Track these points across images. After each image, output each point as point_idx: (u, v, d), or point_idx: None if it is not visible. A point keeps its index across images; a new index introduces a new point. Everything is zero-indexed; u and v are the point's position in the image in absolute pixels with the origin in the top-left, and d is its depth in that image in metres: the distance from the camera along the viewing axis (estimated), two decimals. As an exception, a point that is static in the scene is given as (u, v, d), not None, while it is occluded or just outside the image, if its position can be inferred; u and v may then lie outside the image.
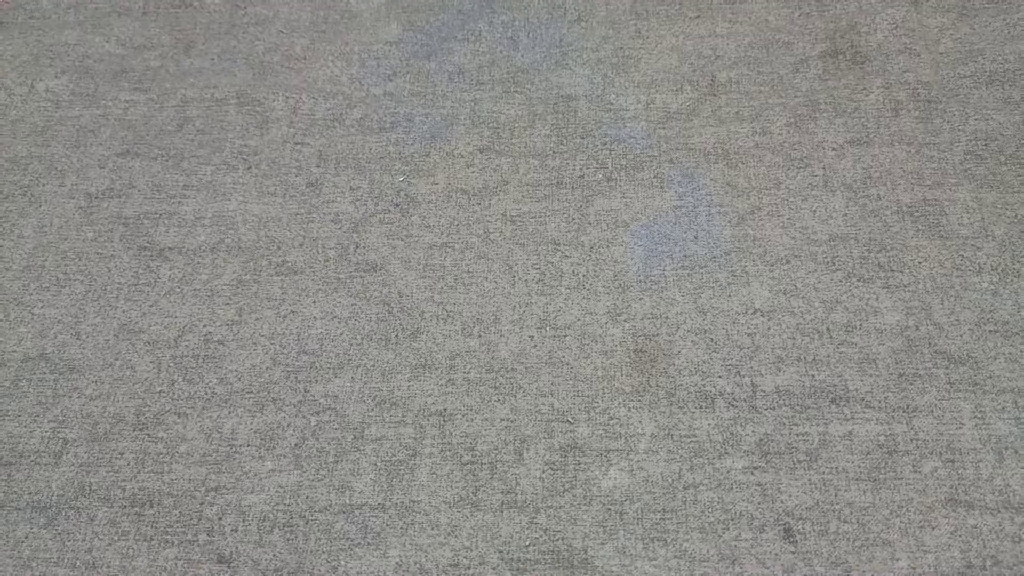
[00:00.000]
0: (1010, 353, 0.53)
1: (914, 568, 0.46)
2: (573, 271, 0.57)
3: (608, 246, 0.58)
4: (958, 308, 0.54)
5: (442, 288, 0.56)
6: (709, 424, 0.51)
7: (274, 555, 0.47)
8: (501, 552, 0.47)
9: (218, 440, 0.51)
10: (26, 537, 0.48)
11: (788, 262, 0.56)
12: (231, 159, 0.62)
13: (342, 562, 0.47)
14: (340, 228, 0.59)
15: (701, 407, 0.51)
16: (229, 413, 0.52)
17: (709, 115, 0.63)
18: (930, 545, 0.47)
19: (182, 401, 0.52)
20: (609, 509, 0.48)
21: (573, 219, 0.59)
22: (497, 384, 0.52)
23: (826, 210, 0.58)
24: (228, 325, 0.55)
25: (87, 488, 0.49)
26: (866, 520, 0.47)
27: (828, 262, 0.56)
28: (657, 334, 0.54)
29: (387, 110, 0.65)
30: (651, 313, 0.55)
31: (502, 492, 0.49)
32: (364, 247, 0.58)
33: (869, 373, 0.52)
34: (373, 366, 0.53)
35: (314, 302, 0.56)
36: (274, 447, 0.51)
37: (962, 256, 0.56)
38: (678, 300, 0.55)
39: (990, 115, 0.62)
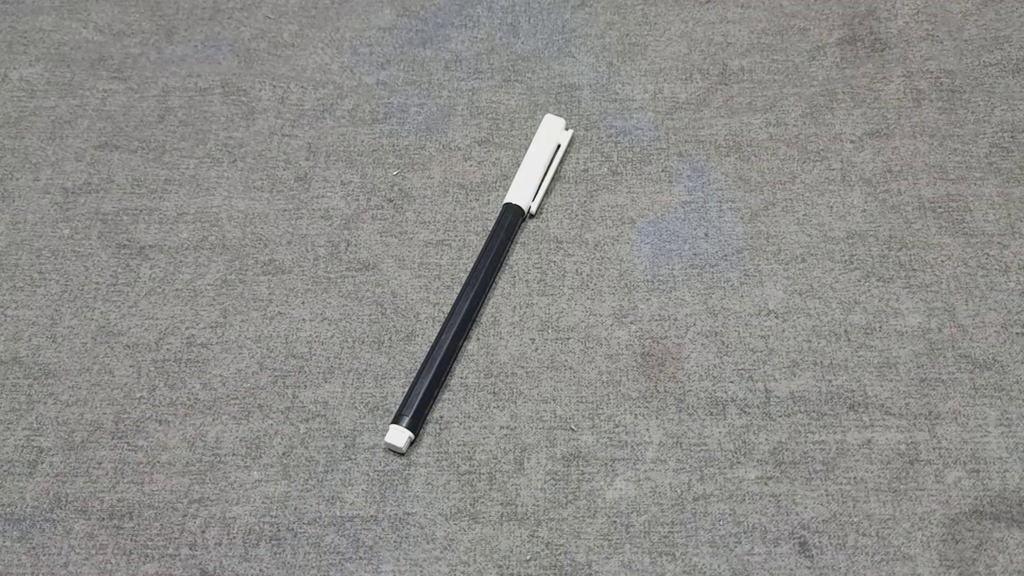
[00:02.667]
0: (1038, 357, 0.53)
1: (937, 584, 0.46)
2: (576, 270, 0.57)
3: (613, 244, 0.58)
4: (983, 309, 0.54)
5: (438, 288, 0.56)
6: (720, 432, 0.51)
7: (260, 570, 0.47)
8: (500, 567, 0.47)
9: (201, 449, 0.51)
10: (-1, 551, 0.48)
11: (804, 261, 0.56)
12: (215, 152, 0.62)
13: (332, 577, 0.47)
14: (330, 225, 0.59)
15: (712, 414, 0.51)
16: (213, 420, 0.52)
17: (720, 105, 0.63)
18: (954, 559, 0.47)
19: (163, 407, 0.52)
20: (614, 521, 0.48)
21: (576, 215, 0.59)
22: (496, 389, 0.53)
23: (844, 206, 0.58)
24: (212, 327, 0.55)
25: (63, 499, 0.49)
26: (886, 533, 0.47)
27: (846, 261, 0.56)
28: (665, 337, 0.54)
29: (380, 100, 0.65)
30: (659, 315, 0.55)
31: (501, 503, 0.49)
32: (356, 245, 0.58)
33: (889, 378, 0.52)
34: (365, 370, 0.53)
35: (303, 303, 0.56)
36: (260, 456, 0.51)
37: (987, 254, 0.56)
38: (687, 301, 0.55)
39: (1017, 105, 0.62)
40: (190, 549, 0.48)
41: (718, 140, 0.61)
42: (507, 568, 0.47)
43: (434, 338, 0.53)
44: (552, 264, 0.57)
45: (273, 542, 0.48)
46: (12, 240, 0.59)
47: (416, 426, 0.50)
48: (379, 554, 0.47)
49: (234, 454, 0.51)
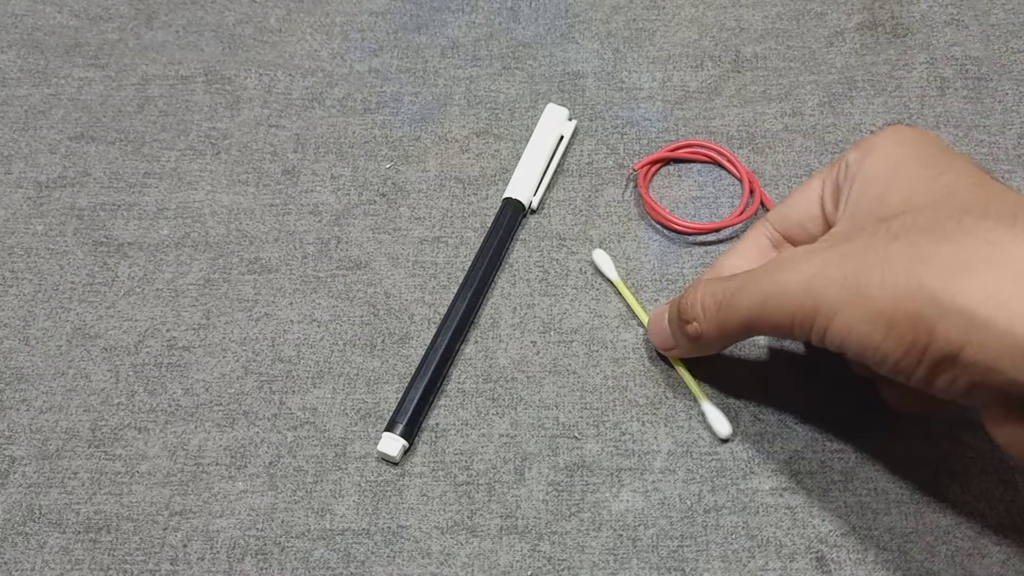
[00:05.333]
0: (1069, 360, 0.53)
1: (962, 601, 0.46)
2: (580, 269, 0.57)
3: (619, 241, 0.58)
4: (1011, 310, 0.54)
5: (434, 288, 0.56)
6: (733, 440, 0.51)
7: (246, 586, 0.47)
8: (500, 583, 0.47)
9: (183, 458, 0.51)
10: (-32, 566, 0.48)
11: (821, 259, 0.56)
12: (198, 144, 0.62)
13: (322, 594, 0.47)
14: (320, 221, 0.59)
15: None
16: (196, 428, 0.52)
17: (733, 94, 0.63)
18: (980, 575, 0.47)
19: (143, 414, 0.52)
20: (621, 535, 0.48)
21: (580, 211, 0.59)
22: (495, 395, 0.53)
23: (863, 200, 0.58)
24: (194, 329, 0.55)
25: (37, 511, 0.49)
26: (908, 547, 0.47)
27: (866, 259, 0.56)
28: (674, 339, 0.54)
29: (372, 89, 0.65)
30: (668, 316, 0.55)
31: (501, 516, 0.49)
32: (347, 242, 0.58)
33: (912, 383, 0.52)
34: (357, 375, 0.53)
35: (291, 303, 0.56)
36: (246, 466, 0.51)
37: (1016, 252, 0.56)
38: (698, 301, 0.55)
39: (1047, 94, 0.62)
40: (171, 564, 0.48)
41: (731, 131, 0.62)
42: (507, 584, 0.47)
43: (430, 341, 0.53)
44: (554, 262, 0.57)
45: (259, 557, 0.48)
46: (-18, 237, 0.59)
47: (410, 434, 0.50)
48: (371, 569, 0.48)
49: (218, 464, 0.51)
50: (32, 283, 0.57)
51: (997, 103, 0.62)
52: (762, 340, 0.53)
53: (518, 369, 0.53)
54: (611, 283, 0.56)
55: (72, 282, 0.57)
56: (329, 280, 0.57)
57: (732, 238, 0.57)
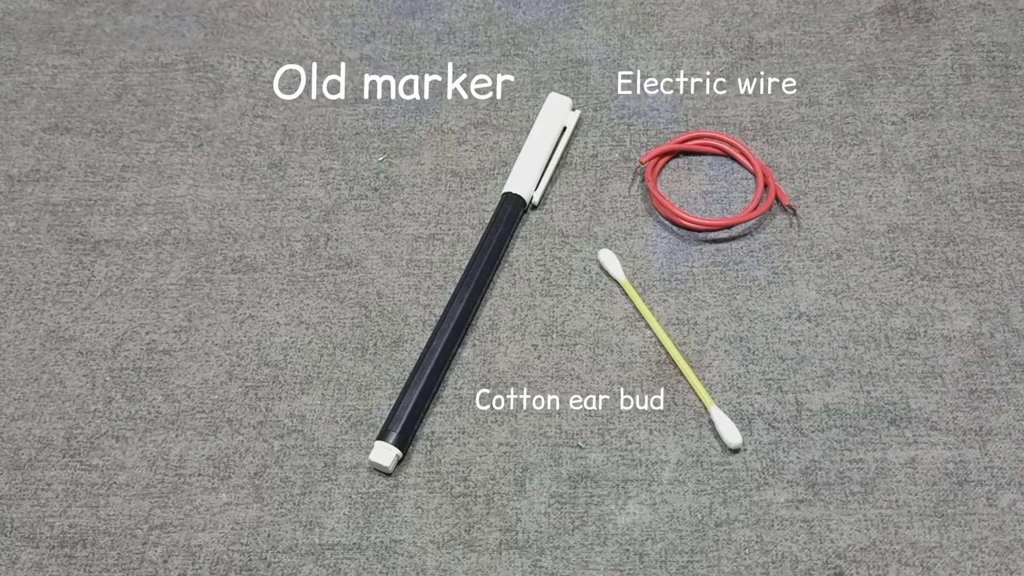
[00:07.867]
0: (1102, 365, 0.53)
1: (989, 620, 0.46)
2: (584, 268, 0.57)
3: (625, 238, 0.58)
4: (1041, 312, 0.54)
5: (429, 288, 0.56)
6: (746, 449, 0.51)
7: (230, 605, 0.47)
8: (499, 601, 0.47)
9: (163, 468, 0.51)
10: (-64, 583, 0.48)
11: (839, 257, 0.56)
12: (179, 135, 0.62)
13: (310, 613, 0.47)
14: (308, 217, 0.59)
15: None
16: (177, 436, 0.52)
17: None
18: (1008, 593, 0.47)
19: (121, 422, 0.52)
20: (627, 550, 0.48)
21: (584, 206, 0.59)
22: (494, 401, 0.53)
23: (884, 195, 0.58)
24: (175, 332, 0.55)
25: (8, 525, 0.49)
26: (932, 563, 0.47)
27: (886, 257, 0.56)
28: (684, 342, 0.54)
29: (364, 77, 0.65)
30: (676, 318, 0.55)
31: (500, 530, 0.49)
32: (337, 239, 0.58)
33: (935, 389, 0.52)
34: (347, 380, 0.53)
35: (277, 305, 0.56)
36: (230, 476, 0.51)
37: (1045, 250, 0.56)
38: (709, 302, 0.55)
39: (1078, 83, 0.62)
40: (151, 581, 0.48)
41: (743, 122, 0.61)
42: (506, 602, 0.47)
43: (425, 344, 0.53)
44: (557, 261, 0.57)
45: (244, 573, 0.48)
46: (-49, 234, 0.59)
47: (404, 443, 0.50)
48: (363, 587, 0.47)
49: (200, 474, 0.51)
50: (3, 283, 0.57)
51: (1026, 92, 0.62)
52: (771, 342, 0.53)
53: (518, 374, 0.53)
54: (617, 283, 0.56)
55: (46, 282, 0.57)
56: (318, 280, 0.57)
57: (745, 235, 0.57)
